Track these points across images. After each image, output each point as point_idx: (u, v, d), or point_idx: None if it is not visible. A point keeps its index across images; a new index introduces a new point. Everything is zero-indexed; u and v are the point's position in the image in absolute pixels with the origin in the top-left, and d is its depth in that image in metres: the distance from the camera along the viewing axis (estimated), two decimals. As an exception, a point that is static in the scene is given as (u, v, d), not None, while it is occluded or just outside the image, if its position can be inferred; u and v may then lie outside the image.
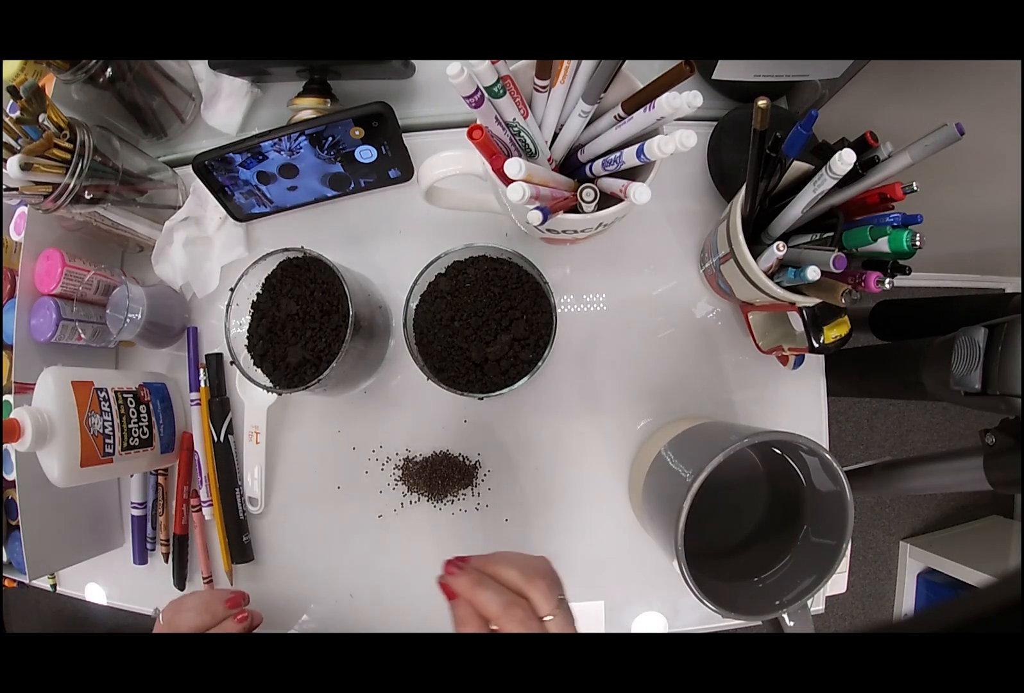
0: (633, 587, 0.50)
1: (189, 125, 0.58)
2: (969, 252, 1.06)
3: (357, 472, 0.52)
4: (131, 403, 0.49)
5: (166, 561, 0.55)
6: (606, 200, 0.38)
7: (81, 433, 0.44)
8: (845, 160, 0.32)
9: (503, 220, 0.49)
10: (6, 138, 0.43)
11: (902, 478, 0.58)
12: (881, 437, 1.32)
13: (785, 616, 0.38)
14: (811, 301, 0.39)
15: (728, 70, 0.46)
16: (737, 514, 0.47)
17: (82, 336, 0.52)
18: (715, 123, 0.51)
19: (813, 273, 0.34)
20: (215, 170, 0.49)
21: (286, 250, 0.44)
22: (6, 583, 0.58)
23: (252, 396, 0.52)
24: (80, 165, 0.44)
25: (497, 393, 0.40)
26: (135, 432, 0.49)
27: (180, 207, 0.54)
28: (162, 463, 0.54)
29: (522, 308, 0.42)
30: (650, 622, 0.50)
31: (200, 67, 0.55)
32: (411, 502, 0.51)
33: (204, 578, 0.54)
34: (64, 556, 0.53)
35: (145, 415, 0.50)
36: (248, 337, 0.45)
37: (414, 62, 0.50)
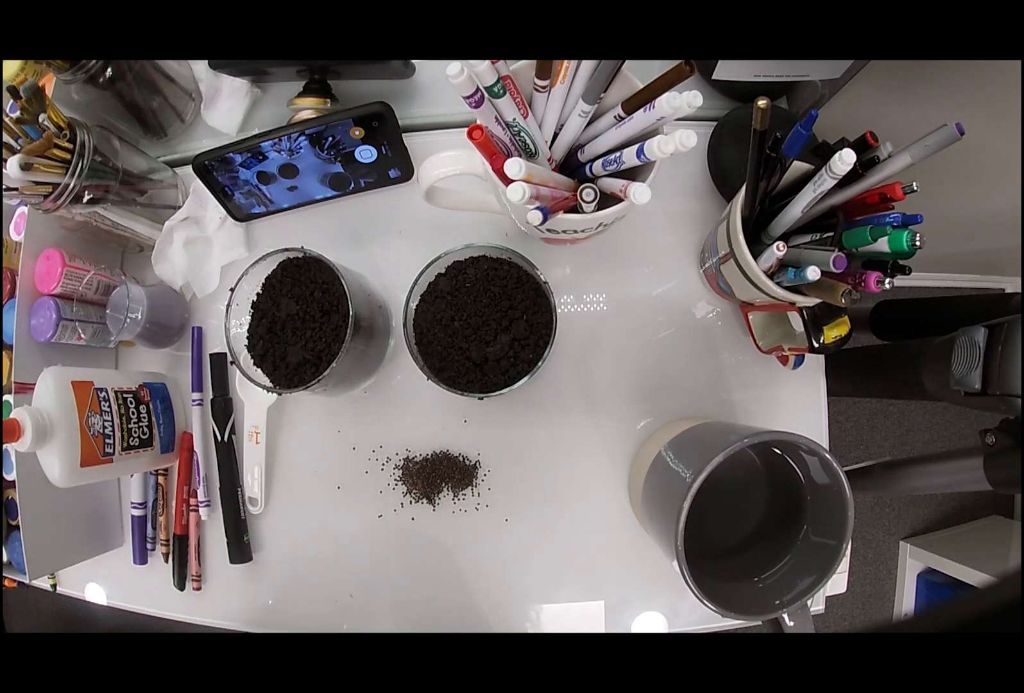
0: (633, 587, 0.50)
1: (189, 125, 0.58)
2: (969, 252, 1.06)
3: (357, 472, 0.52)
4: (131, 403, 0.49)
5: (166, 561, 0.55)
6: (606, 200, 0.38)
7: (81, 433, 0.44)
8: (845, 160, 0.32)
9: (503, 220, 0.49)
10: (6, 138, 0.43)
11: (902, 478, 0.58)
12: (881, 437, 1.32)
13: (785, 616, 0.38)
14: (811, 301, 0.39)
15: (728, 70, 0.46)
16: (737, 514, 0.47)
17: (82, 336, 0.52)
18: (715, 123, 0.51)
19: (813, 273, 0.34)
20: (215, 170, 0.49)
21: (286, 250, 0.44)
22: (6, 583, 0.58)
23: (252, 396, 0.52)
24: (80, 165, 0.44)
25: (497, 393, 0.40)
26: (135, 432, 0.49)
27: (180, 207, 0.54)
28: (162, 463, 0.54)
29: (522, 308, 0.42)
30: (650, 622, 0.50)
31: (200, 67, 0.56)
32: (411, 502, 0.51)
33: (193, 577, 0.54)
34: (64, 556, 0.53)
35: (145, 415, 0.50)
36: (248, 337, 0.45)
37: (414, 62, 0.50)
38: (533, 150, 0.38)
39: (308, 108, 0.50)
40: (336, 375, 0.41)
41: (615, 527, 0.50)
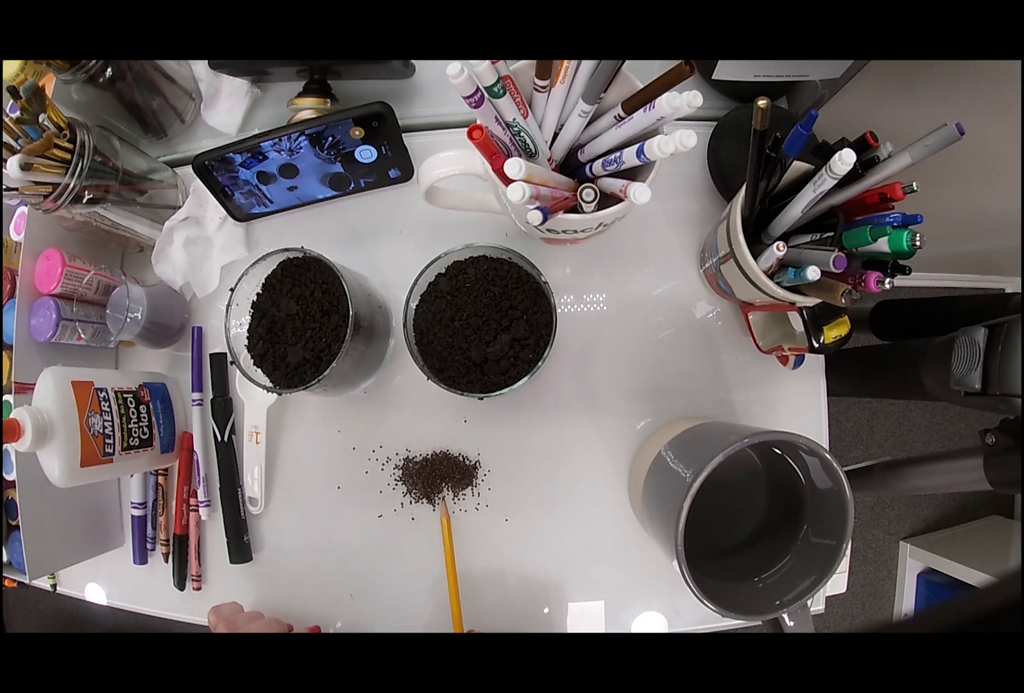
0: (633, 587, 0.50)
1: (189, 125, 0.58)
2: (969, 252, 1.06)
3: (357, 472, 0.52)
4: (131, 403, 0.49)
5: (166, 561, 0.55)
6: (606, 200, 0.38)
7: (81, 433, 0.44)
8: (845, 160, 0.32)
9: (503, 220, 0.49)
10: (6, 138, 0.43)
11: (902, 478, 0.58)
12: (881, 437, 1.32)
13: (785, 616, 0.38)
14: (811, 301, 0.39)
15: (728, 70, 0.46)
16: (737, 514, 0.47)
17: (82, 336, 0.52)
18: (715, 123, 0.51)
19: (813, 273, 0.34)
20: (215, 170, 0.49)
21: (286, 250, 0.44)
22: (6, 583, 0.58)
23: (252, 396, 0.52)
24: (80, 165, 0.44)
25: (497, 393, 0.40)
26: (135, 432, 0.49)
27: (180, 207, 0.54)
28: (162, 463, 0.54)
29: (522, 308, 0.42)
30: (650, 622, 0.50)
31: (200, 67, 0.56)
32: (411, 502, 0.51)
33: (194, 577, 0.54)
34: (64, 556, 0.53)
35: (145, 415, 0.50)
36: (248, 337, 0.45)
37: (414, 62, 0.50)
38: (533, 150, 0.38)
39: (308, 108, 0.50)
40: (336, 375, 0.41)
41: (615, 527, 0.50)
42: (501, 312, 0.42)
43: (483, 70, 0.31)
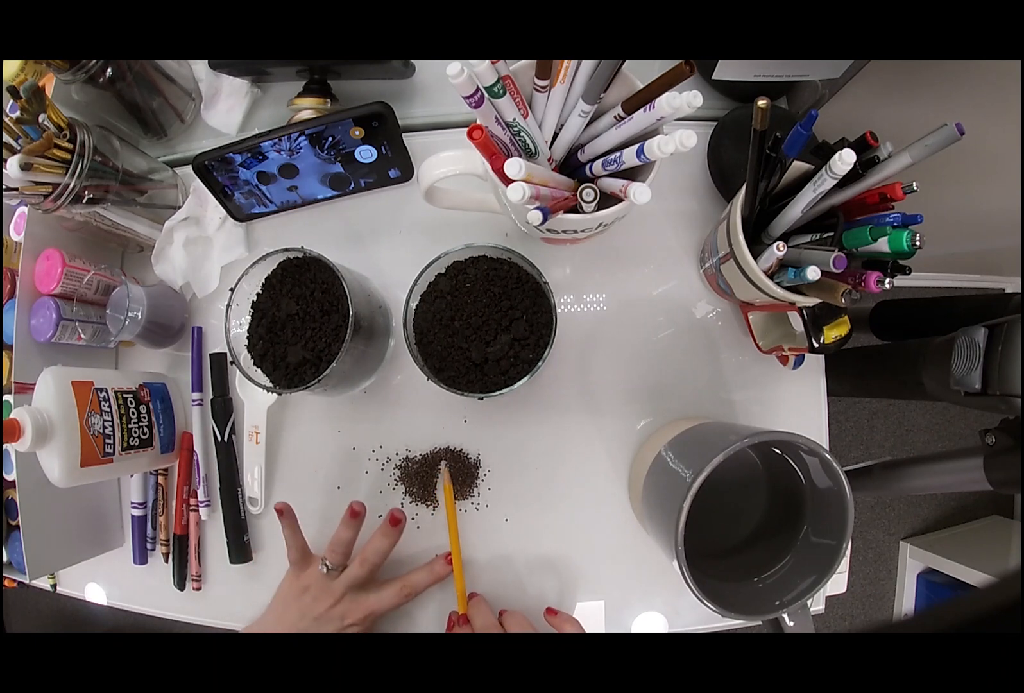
0: (633, 587, 0.50)
1: (189, 125, 0.58)
2: (969, 252, 1.06)
3: (357, 472, 0.52)
4: (131, 403, 0.49)
5: (166, 561, 0.55)
6: (606, 200, 0.38)
7: (81, 433, 0.44)
8: (845, 160, 0.32)
9: (503, 220, 0.49)
10: (6, 138, 0.43)
11: (902, 478, 0.58)
12: (881, 437, 1.32)
13: (785, 616, 0.38)
14: (811, 301, 0.39)
15: (728, 70, 0.46)
16: (737, 514, 0.47)
17: (82, 336, 0.52)
18: (715, 123, 0.51)
19: (813, 273, 0.34)
20: (215, 170, 0.49)
21: (286, 250, 0.44)
22: (6, 583, 0.58)
23: (252, 396, 0.52)
24: (80, 165, 0.44)
25: (497, 393, 0.40)
26: (135, 432, 0.49)
27: (180, 207, 0.54)
28: (162, 463, 0.54)
29: (522, 308, 0.42)
30: (650, 622, 0.50)
31: (200, 67, 0.56)
32: (411, 502, 0.51)
33: (194, 577, 0.54)
34: (64, 556, 0.53)
35: (145, 415, 0.50)
36: (248, 337, 0.45)
37: (414, 62, 0.50)
38: (533, 150, 0.38)
39: (308, 108, 0.50)
40: (336, 375, 0.41)
41: (615, 527, 0.50)
42: (501, 312, 0.42)
43: (483, 70, 0.31)
